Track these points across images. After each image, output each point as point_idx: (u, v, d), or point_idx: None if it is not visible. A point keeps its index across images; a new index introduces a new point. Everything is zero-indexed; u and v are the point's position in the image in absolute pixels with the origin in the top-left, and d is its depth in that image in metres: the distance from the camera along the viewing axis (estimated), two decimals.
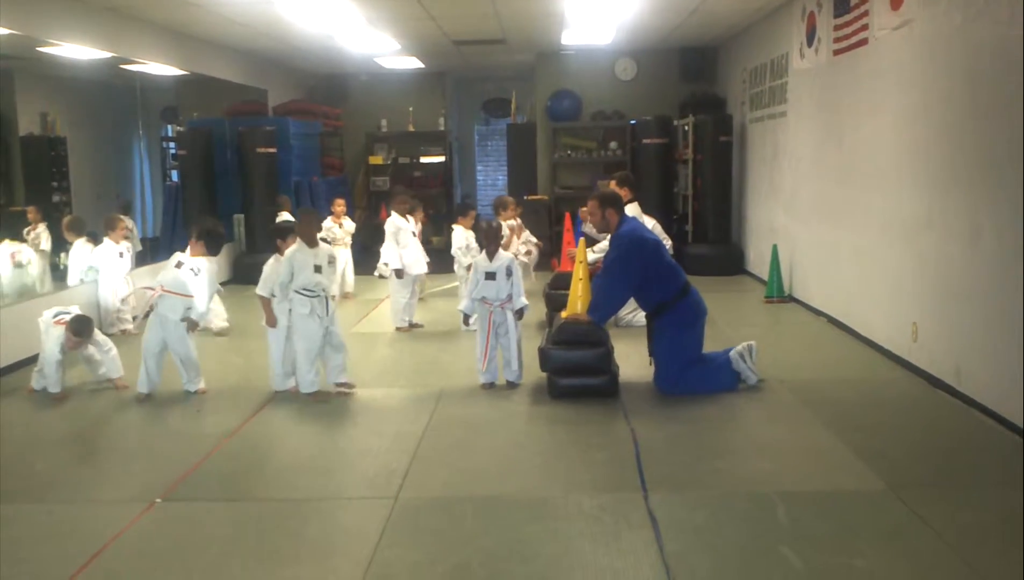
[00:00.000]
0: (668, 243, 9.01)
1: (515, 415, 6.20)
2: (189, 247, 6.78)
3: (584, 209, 8.83)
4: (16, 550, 4.27)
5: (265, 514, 4.61)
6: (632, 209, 9.01)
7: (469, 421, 6.09)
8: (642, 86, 14.50)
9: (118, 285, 8.99)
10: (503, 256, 6.87)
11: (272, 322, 6.76)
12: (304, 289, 6.57)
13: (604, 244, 8.63)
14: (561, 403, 6.35)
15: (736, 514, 4.45)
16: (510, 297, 6.78)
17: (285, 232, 7.17)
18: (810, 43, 9.42)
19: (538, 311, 8.80)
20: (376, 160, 16.27)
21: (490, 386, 6.81)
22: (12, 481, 5.18)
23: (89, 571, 3.99)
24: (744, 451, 5.40)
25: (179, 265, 6.69)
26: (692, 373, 6.51)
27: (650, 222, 8.84)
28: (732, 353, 6.59)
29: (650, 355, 6.74)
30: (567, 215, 9.95)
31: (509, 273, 6.79)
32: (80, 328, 6.66)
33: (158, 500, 4.77)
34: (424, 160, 16.41)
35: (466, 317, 7.03)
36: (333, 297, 6.86)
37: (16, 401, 6.82)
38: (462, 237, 9.07)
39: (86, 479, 5.29)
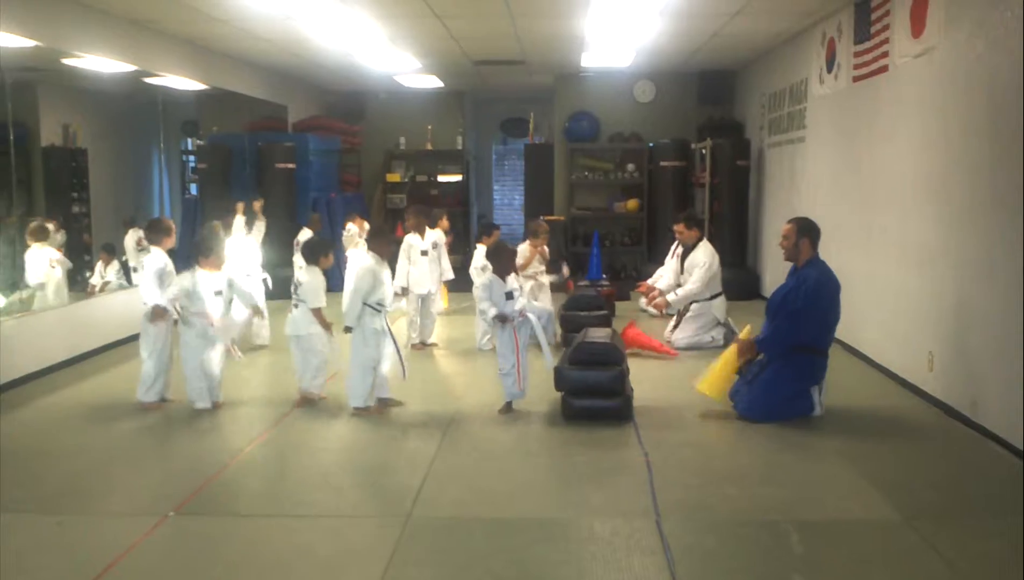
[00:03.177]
0: None
1: (528, 436, 6.19)
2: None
3: (680, 231, 8.89)
4: (24, 561, 4.29)
5: (277, 530, 4.62)
6: (705, 249, 9.12)
7: (482, 441, 6.08)
8: (660, 109, 14.54)
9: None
10: (511, 280, 6.83)
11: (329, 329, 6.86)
12: (378, 303, 6.61)
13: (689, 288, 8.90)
14: (574, 425, 6.33)
15: (748, 541, 4.43)
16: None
17: (328, 248, 7.24)
18: (830, 69, 9.43)
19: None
20: (394, 177, 16.33)
21: (510, 407, 6.75)
22: (22, 490, 5.21)
23: None
24: (756, 478, 5.37)
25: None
26: (781, 405, 6.42)
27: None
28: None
29: (739, 374, 6.62)
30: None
31: (521, 290, 6.81)
32: None
33: (171, 514, 4.78)
34: (441, 179, 16.47)
35: (503, 317, 6.70)
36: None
37: (27, 411, 6.85)
38: (483, 257, 9.02)
39: (98, 491, 5.30)
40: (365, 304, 6.57)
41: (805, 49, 10.31)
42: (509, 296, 6.71)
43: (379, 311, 6.62)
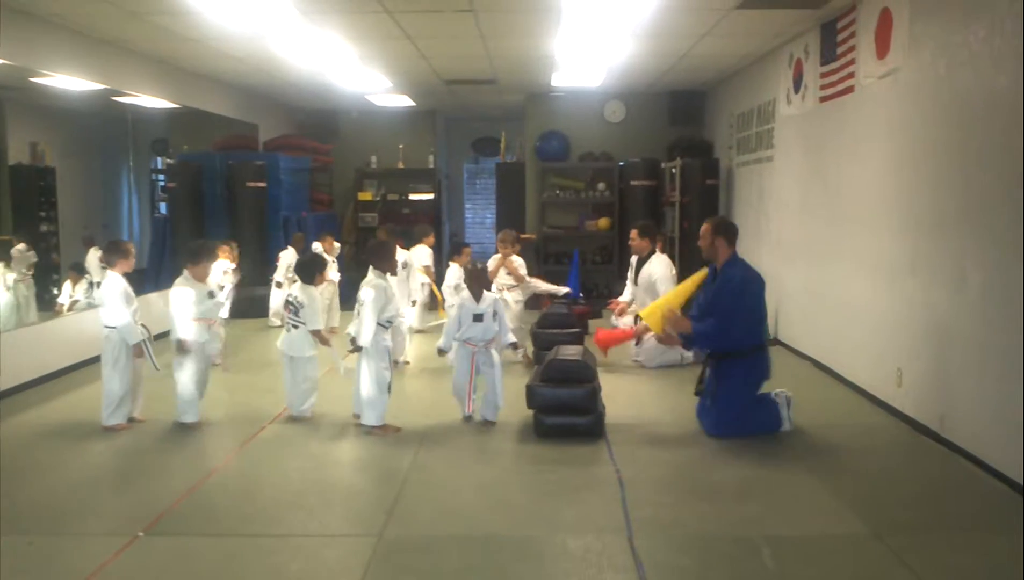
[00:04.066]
0: None
1: (500, 453, 6.19)
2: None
3: (632, 238, 8.89)
4: None
5: (248, 550, 4.58)
6: (660, 261, 9.14)
7: (454, 459, 6.07)
8: (631, 129, 14.63)
9: None
10: (488, 297, 6.90)
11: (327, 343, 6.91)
12: (387, 320, 6.62)
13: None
14: (546, 442, 6.34)
15: (721, 557, 4.44)
16: (494, 338, 6.83)
17: (323, 266, 7.32)
18: (797, 89, 9.55)
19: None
20: (365, 196, 16.33)
21: (469, 418, 6.87)
22: None
23: None
24: (729, 494, 5.39)
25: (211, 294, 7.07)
26: (746, 417, 6.50)
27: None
28: (778, 397, 6.61)
29: (698, 394, 6.73)
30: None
31: (495, 314, 6.83)
32: None
33: (140, 534, 4.73)
34: (413, 197, 16.48)
35: (442, 351, 7.11)
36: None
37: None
38: (455, 275, 9.09)
39: (69, 511, 5.23)
40: (382, 323, 6.58)
41: (773, 70, 10.43)
42: (478, 318, 6.74)
43: (387, 328, 6.63)
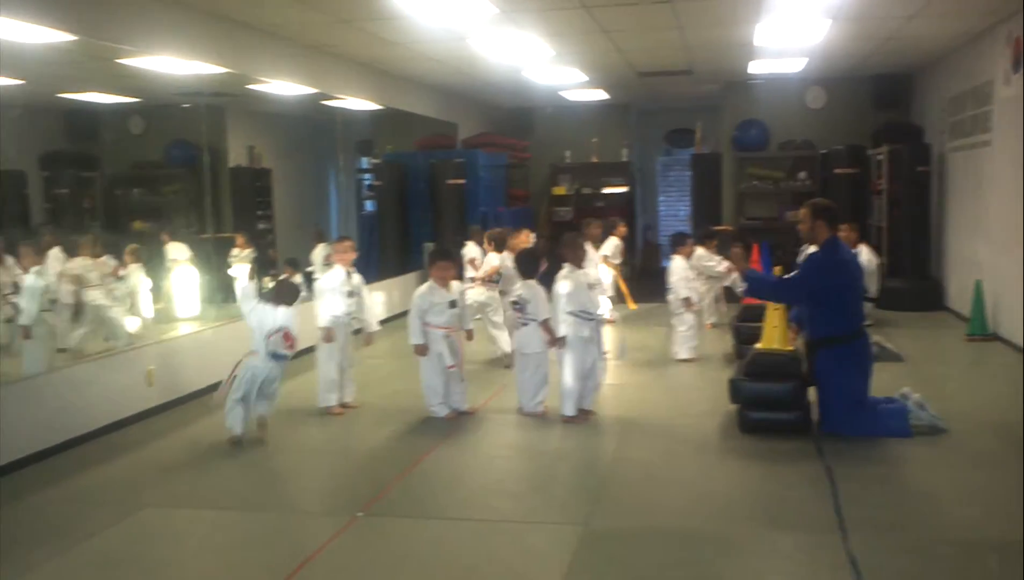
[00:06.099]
0: None
1: (704, 448, 6.12)
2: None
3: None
4: (227, 555, 4.58)
5: (459, 533, 4.75)
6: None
7: (657, 452, 6.07)
8: (833, 115, 14.12)
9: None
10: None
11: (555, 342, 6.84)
12: (582, 311, 6.71)
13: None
14: (751, 438, 6.22)
15: (943, 562, 4.24)
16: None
17: (541, 258, 7.33)
18: (1016, 69, 8.95)
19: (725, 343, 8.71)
20: (559, 191, 16.48)
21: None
22: (223, 489, 5.54)
23: None
24: (948, 496, 5.13)
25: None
26: (861, 415, 6.24)
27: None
28: (910, 401, 6.31)
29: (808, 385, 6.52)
30: (755, 246, 9.77)
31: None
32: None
33: (359, 514, 4.98)
34: (606, 191, 16.50)
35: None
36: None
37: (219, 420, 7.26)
38: (681, 268, 8.96)
39: (292, 490, 5.59)
40: (572, 313, 6.66)
41: (988, 49, 9.80)
42: (452, 305, 6.92)
43: (589, 320, 6.70)
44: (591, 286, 6.80)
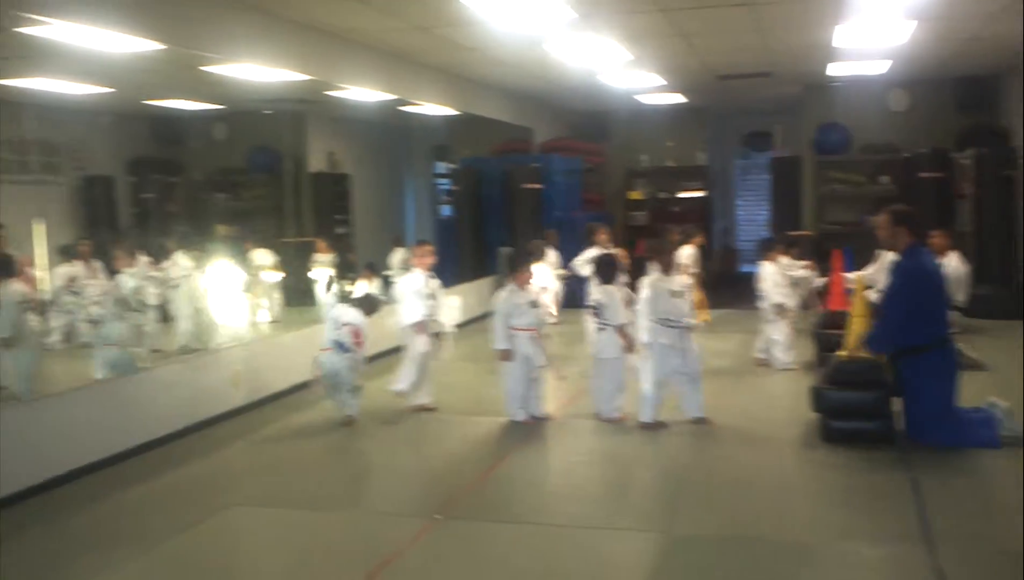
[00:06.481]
0: None
1: (784, 457, 6.02)
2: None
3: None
4: (308, 555, 4.65)
5: (538, 538, 4.75)
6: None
7: (736, 459, 5.99)
8: (916, 117, 13.80)
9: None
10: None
11: (632, 347, 6.84)
12: (666, 318, 6.67)
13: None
14: (833, 447, 6.10)
15: None
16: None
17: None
18: None
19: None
20: (635, 195, 16.40)
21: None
22: (304, 489, 5.63)
23: None
24: None
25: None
26: (948, 425, 6.07)
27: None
28: (999, 410, 6.12)
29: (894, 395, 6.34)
30: (836, 252, 9.58)
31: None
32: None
33: (437, 516, 5.01)
34: (682, 195, 16.37)
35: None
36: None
37: (308, 414, 7.38)
38: (772, 274, 8.79)
39: (371, 492, 5.67)
40: (653, 320, 6.63)
41: None
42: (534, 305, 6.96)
43: (672, 328, 6.64)
44: (674, 294, 6.68)
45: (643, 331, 6.63)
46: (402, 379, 7.34)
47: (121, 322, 7.34)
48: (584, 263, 9.11)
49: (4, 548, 4.78)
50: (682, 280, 6.84)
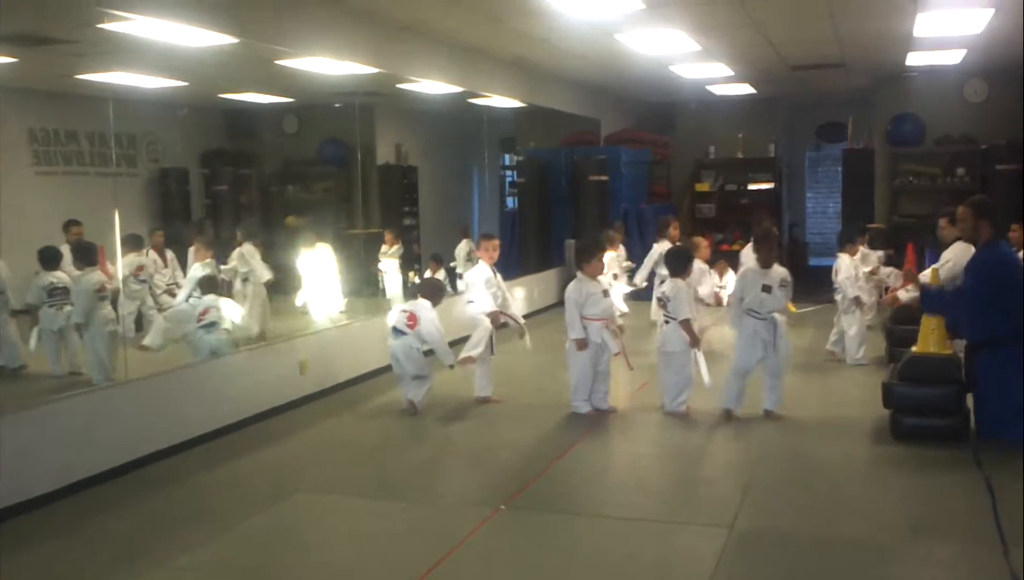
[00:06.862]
0: None
1: (855, 453, 5.93)
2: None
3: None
4: (374, 542, 4.72)
5: (602, 530, 4.75)
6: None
7: (805, 455, 5.93)
8: (993, 109, 13.42)
9: None
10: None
11: (697, 342, 6.84)
12: (752, 310, 6.66)
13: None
14: (904, 444, 5.99)
15: None
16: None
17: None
18: None
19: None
20: (703, 187, 16.21)
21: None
22: (371, 477, 5.72)
23: (440, 570, 4.27)
24: None
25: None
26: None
27: None
28: None
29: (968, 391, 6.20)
30: (909, 246, 9.38)
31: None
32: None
33: (502, 507, 5.04)
34: (752, 187, 16.14)
35: None
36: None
37: (378, 401, 7.48)
38: (848, 266, 8.64)
39: (437, 481, 5.72)
40: (746, 311, 6.63)
41: None
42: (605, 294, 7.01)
43: (761, 319, 6.62)
44: (766, 288, 6.61)
45: (732, 319, 6.70)
46: (468, 347, 7.34)
47: (220, 310, 7.45)
48: (652, 261, 9.16)
49: (98, 524, 4.96)
50: (778, 273, 6.73)
